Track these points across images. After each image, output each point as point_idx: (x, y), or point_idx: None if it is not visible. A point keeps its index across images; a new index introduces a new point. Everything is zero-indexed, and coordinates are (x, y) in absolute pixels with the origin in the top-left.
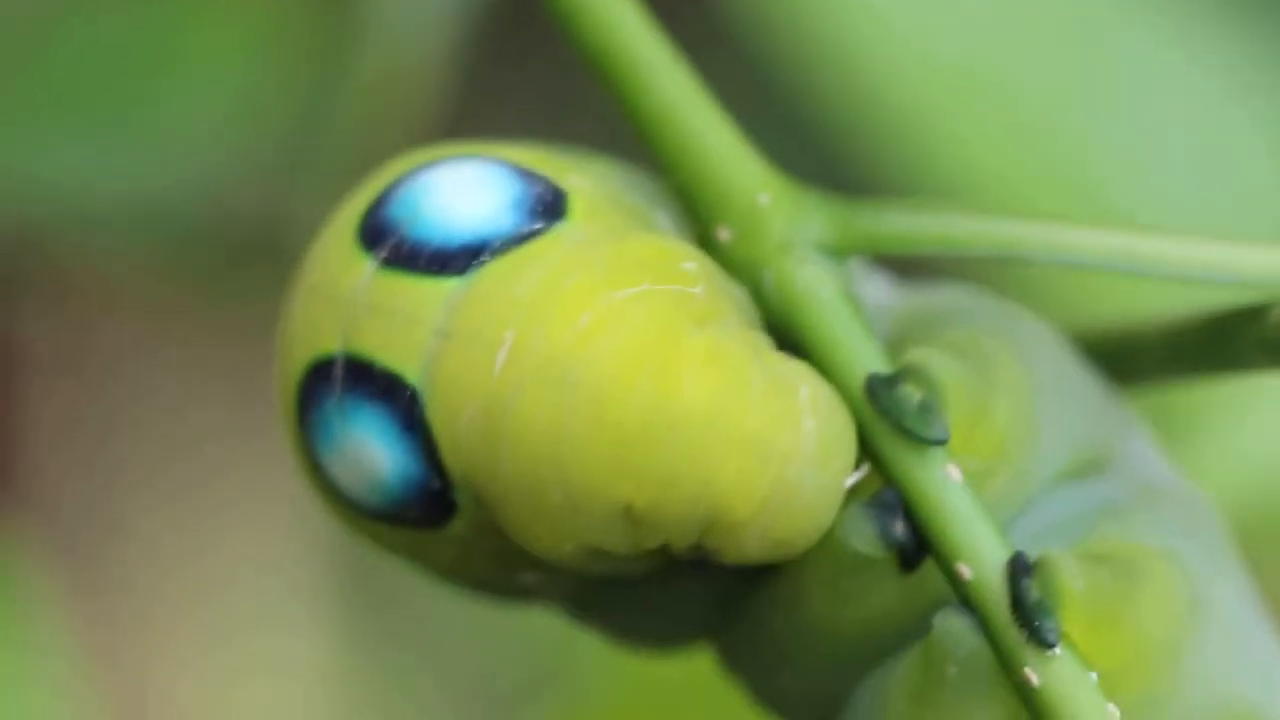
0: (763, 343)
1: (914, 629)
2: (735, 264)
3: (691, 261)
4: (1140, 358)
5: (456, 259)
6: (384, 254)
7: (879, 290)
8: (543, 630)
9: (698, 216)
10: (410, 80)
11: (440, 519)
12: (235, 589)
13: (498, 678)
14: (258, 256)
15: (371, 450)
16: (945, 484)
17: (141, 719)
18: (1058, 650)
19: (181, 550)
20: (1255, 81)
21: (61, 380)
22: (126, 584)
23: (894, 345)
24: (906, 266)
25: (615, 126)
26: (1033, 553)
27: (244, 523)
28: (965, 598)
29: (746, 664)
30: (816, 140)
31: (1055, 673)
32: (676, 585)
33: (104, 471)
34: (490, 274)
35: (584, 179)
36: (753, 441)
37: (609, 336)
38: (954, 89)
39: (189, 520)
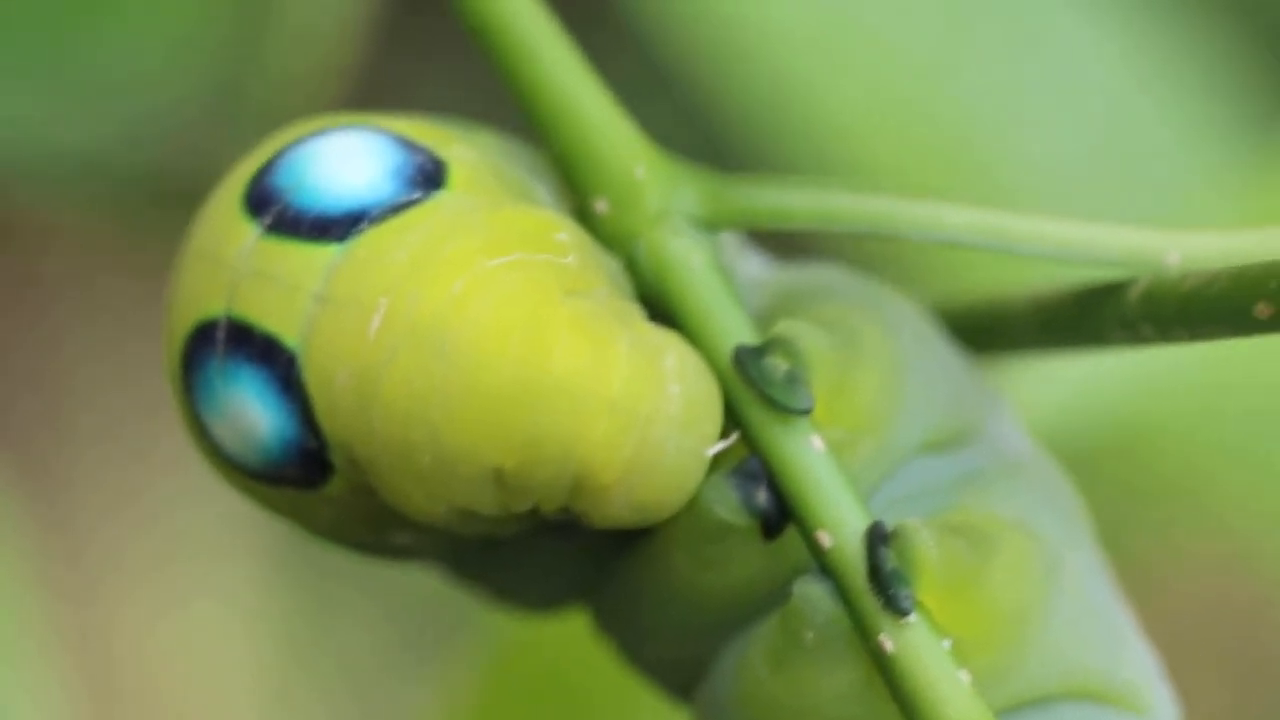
0: (633, 312)
1: (775, 595)
2: (611, 235)
3: (565, 232)
4: (1008, 331)
5: (337, 226)
6: (268, 221)
7: (752, 267)
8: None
9: (576, 188)
10: (329, 36)
11: (317, 480)
12: (172, 521)
13: (428, 606)
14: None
15: (251, 411)
16: (808, 453)
17: (86, 646)
18: (912, 618)
19: (122, 485)
20: (1158, 65)
21: (3, 320)
22: (72, 513)
23: (764, 319)
24: (781, 248)
25: (502, 99)
26: (892, 522)
27: (178, 456)
28: (824, 565)
29: (616, 627)
30: (701, 118)
31: (909, 640)
32: (548, 548)
33: (48, 399)
34: (368, 241)
35: (465, 150)
36: (617, 406)
37: (480, 303)
38: (837, 66)
39: (130, 454)
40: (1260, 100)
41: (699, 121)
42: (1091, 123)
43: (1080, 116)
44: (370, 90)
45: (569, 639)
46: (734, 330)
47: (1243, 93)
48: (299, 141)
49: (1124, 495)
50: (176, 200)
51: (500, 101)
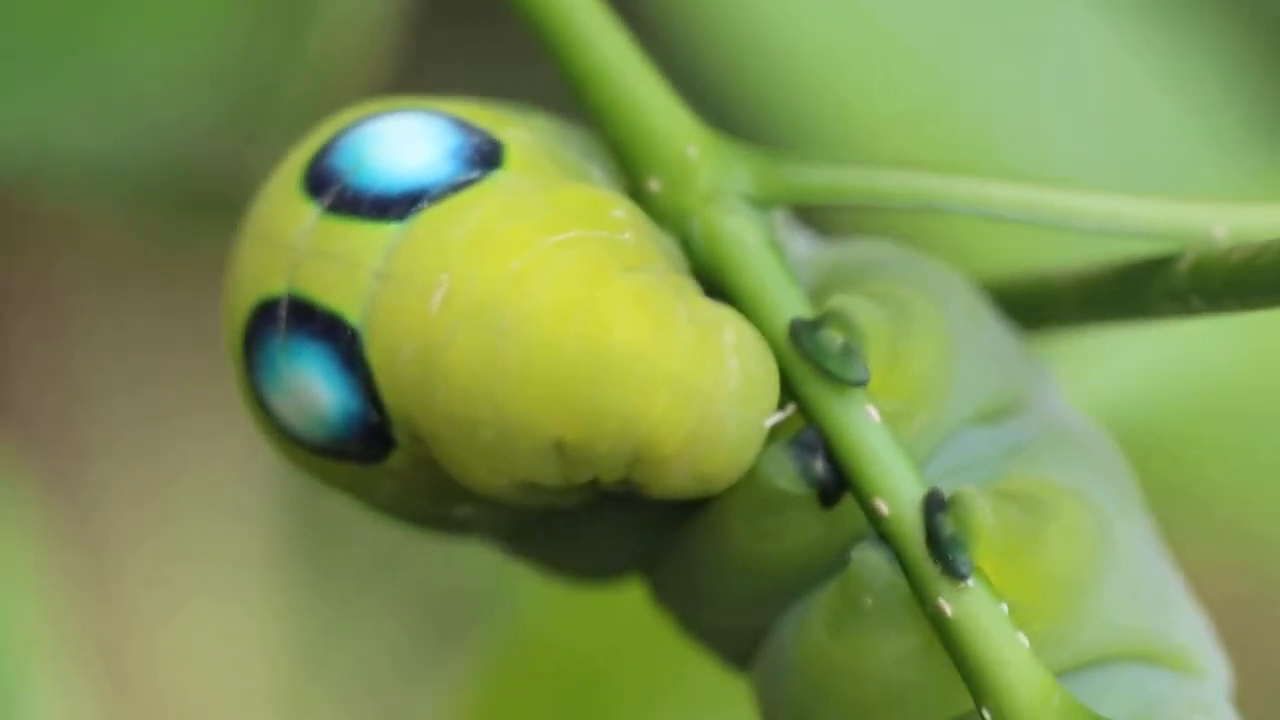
0: (690, 287)
1: (833, 563)
2: (664, 214)
3: (621, 209)
4: (1053, 306)
5: (396, 205)
6: (328, 201)
7: (802, 244)
8: (486, 559)
9: (629, 169)
10: (361, 37)
11: (380, 454)
12: (186, 521)
13: (441, 605)
14: (212, 207)
15: (314, 388)
16: (864, 424)
17: (99, 644)
18: (970, 582)
19: (136, 485)
20: (1174, 65)
21: (24, 318)
22: (86, 514)
23: (816, 294)
24: (826, 227)
25: (552, 83)
26: (947, 490)
27: (197, 459)
28: (882, 532)
29: (674, 597)
30: (717, 109)
31: (967, 604)
32: (607, 519)
33: (67, 399)
34: (428, 220)
35: (520, 131)
36: (678, 380)
37: (540, 280)
38: (852, 63)
39: (145, 455)
40: (1276, 103)
41: (713, 112)
42: (1106, 122)
43: (1095, 115)
44: (404, 82)
45: (585, 637)
46: (789, 305)
47: (1258, 95)
48: (357, 123)
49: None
50: (200, 203)
51: (548, 85)
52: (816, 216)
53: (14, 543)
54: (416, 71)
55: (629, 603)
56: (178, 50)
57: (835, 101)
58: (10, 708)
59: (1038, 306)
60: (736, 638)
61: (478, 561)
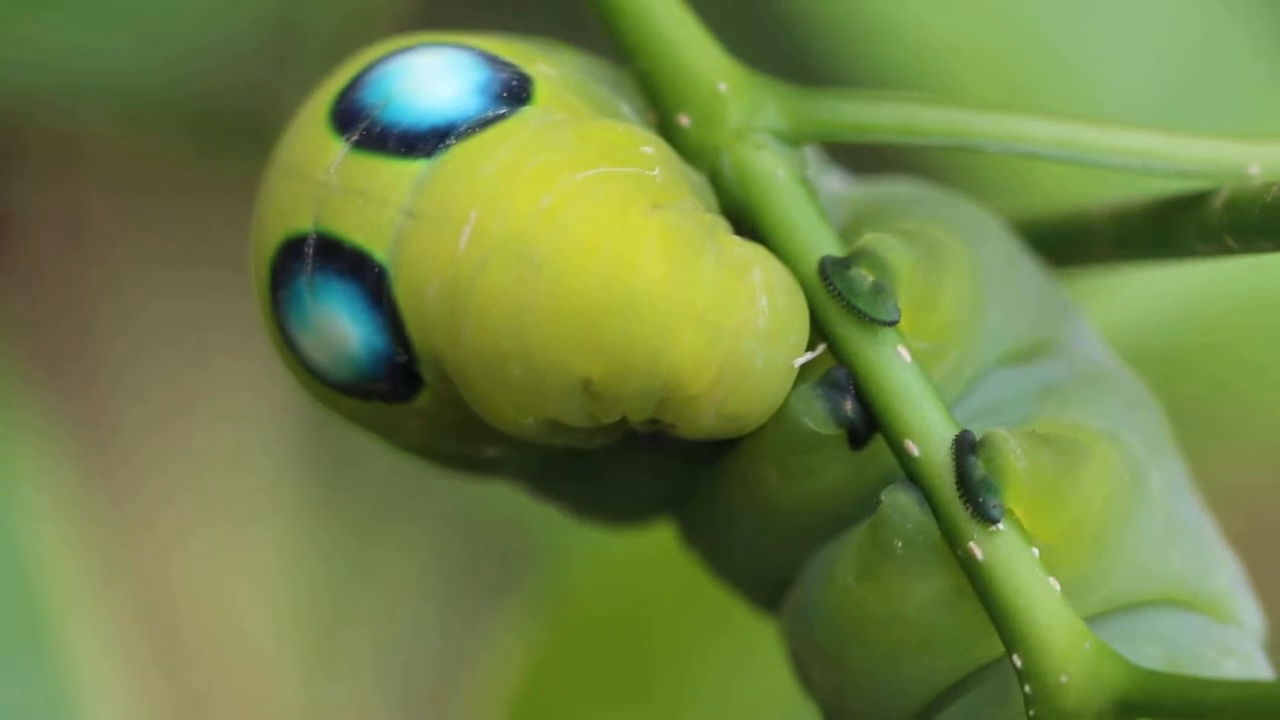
0: (719, 224)
1: (863, 505)
2: (695, 150)
3: (650, 146)
4: (1088, 243)
5: (425, 141)
6: (355, 137)
7: (833, 182)
8: (507, 509)
9: (659, 104)
10: None
11: (406, 393)
12: (207, 440)
13: (468, 535)
14: (242, 139)
15: (341, 325)
16: (895, 363)
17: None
18: (1001, 526)
19: (156, 406)
20: None
21: (39, 240)
22: (106, 437)
23: (847, 233)
24: (857, 164)
25: (582, 18)
26: (978, 432)
27: (217, 379)
28: (912, 474)
29: (704, 539)
30: (791, 39)
31: (998, 547)
32: (636, 461)
33: (85, 320)
34: (456, 155)
35: (550, 67)
36: (706, 317)
37: (569, 215)
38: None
39: (165, 376)
40: None
41: (787, 43)
42: (1182, 50)
43: (1172, 42)
44: (432, 20)
45: (626, 573)
46: (819, 243)
47: None
48: (385, 58)
49: (1186, 409)
50: (227, 128)
51: (578, 20)
52: (851, 154)
53: (34, 466)
54: (445, 5)
55: (670, 551)
56: None
57: (915, 29)
58: (34, 632)
59: (1071, 245)
60: (765, 580)
61: (506, 495)
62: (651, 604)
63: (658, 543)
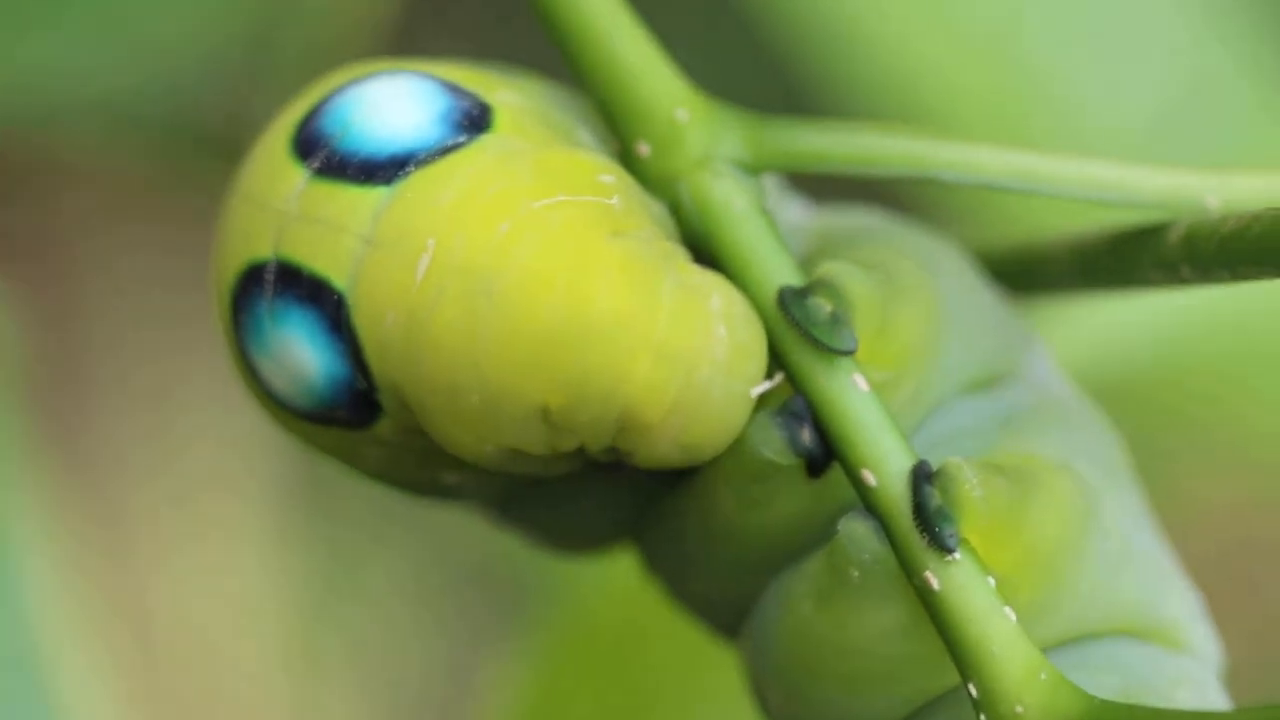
0: (677, 253)
1: (820, 534)
2: (654, 178)
3: (609, 174)
4: (1046, 274)
5: (384, 169)
6: (316, 164)
7: (793, 211)
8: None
9: (618, 132)
10: None
11: (366, 420)
12: (191, 461)
13: (456, 556)
14: (226, 162)
15: (300, 352)
16: (852, 393)
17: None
18: (957, 555)
19: (142, 426)
20: (1238, 16)
21: (27, 260)
22: (91, 456)
23: (807, 262)
24: (820, 192)
25: (543, 45)
26: (935, 461)
27: (201, 402)
28: (869, 503)
29: (664, 566)
30: (777, 68)
31: (954, 576)
32: (595, 488)
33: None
34: (415, 183)
35: (510, 94)
36: (663, 346)
37: (526, 244)
38: (915, 11)
39: (150, 398)
40: None
41: (773, 72)
42: (1173, 79)
43: (1162, 72)
44: (405, 40)
45: (625, 597)
46: (778, 272)
47: None
48: (346, 86)
49: (1146, 438)
50: (204, 148)
51: (539, 47)
52: (811, 182)
53: (17, 486)
54: (408, 32)
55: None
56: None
57: (899, 53)
58: (17, 651)
59: (1029, 274)
60: (724, 607)
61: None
62: (654, 628)
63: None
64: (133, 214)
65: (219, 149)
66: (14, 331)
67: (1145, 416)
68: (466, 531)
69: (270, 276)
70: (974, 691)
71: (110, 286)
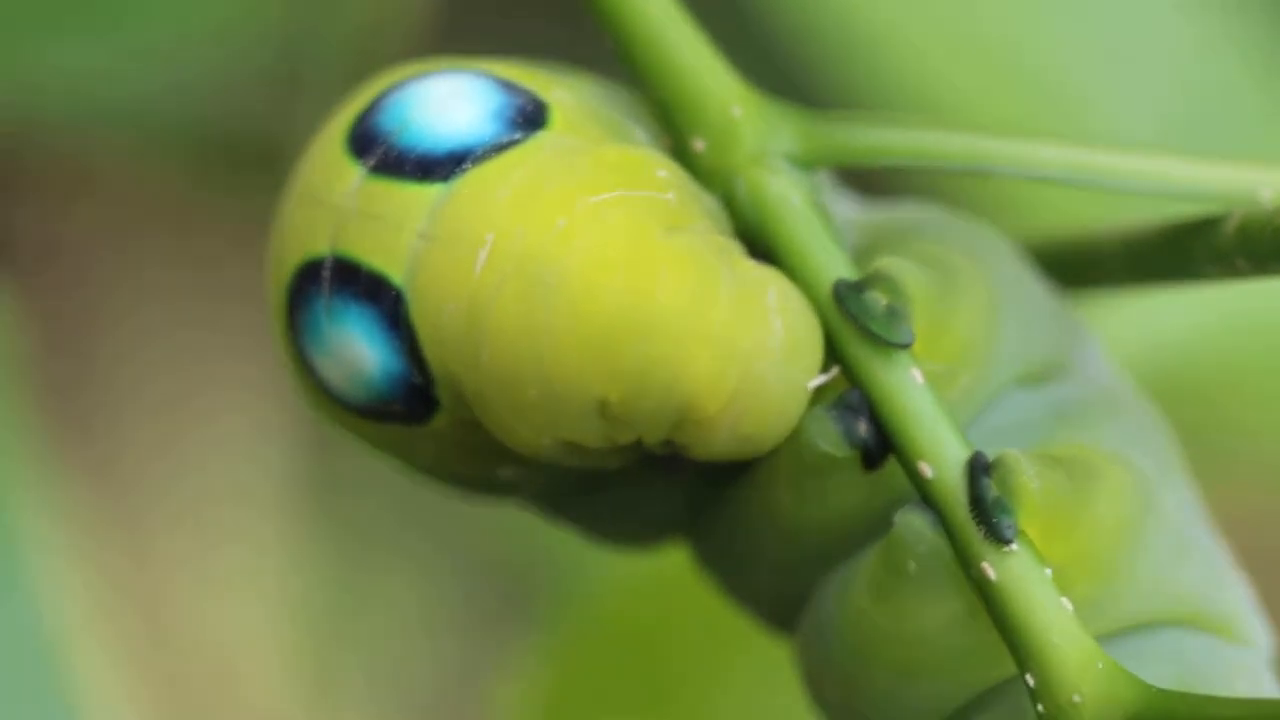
0: (733, 247)
1: (876, 527)
2: (709, 174)
3: (664, 170)
4: (1098, 268)
5: (441, 166)
6: (372, 162)
7: (846, 206)
8: (515, 537)
9: (673, 128)
10: None
11: (423, 415)
12: (206, 470)
13: (468, 579)
14: (249, 169)
15: (358, 348)
16: (909, 386)
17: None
18: (1014, 546)
19: (156, 436)
20: (1246, 16)
21: (58, 275)
22: (107, 465)
23: (860, 257)
24: (870, 188)
25: (597, 43)
26: (991, 453)
27: (217, 410)
28: (926, 495)
29: (717, 560)
30: (785, 61)
31: (1011, 568)
32: (650, 482)
33: (88, 350)
34: (473, 180)
35: (565, 92)
36: (721, 339)
37: (584, 238)
38: (925, 8)
39: (165, 406)
40: None
41: (782, 64)
42: (1181, 82)
43: (1171, 74)
44: (449, 38)
45: (646, 593)
46: (833, 266)
47: None
48: (402, 84)
49: (1196, 434)
50: (227, 156)
51: (593, 45)
52: (863, 178)
53: (36, 493)
54: (460, 30)
55: (690, 570)
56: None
57: (910, 51)
58: (35, 656)
59: (1083, 268)
60: (779, 601)
61: (514, 522)
62: (672, 624)
63: (678, 562)
64: (152, 221)
65: (244, 158)
66: (31, 338)
67: (1196, 413)
68: (480, 537)
69: (327, 273)
70: (1031, 682)
71: (128, 294)
